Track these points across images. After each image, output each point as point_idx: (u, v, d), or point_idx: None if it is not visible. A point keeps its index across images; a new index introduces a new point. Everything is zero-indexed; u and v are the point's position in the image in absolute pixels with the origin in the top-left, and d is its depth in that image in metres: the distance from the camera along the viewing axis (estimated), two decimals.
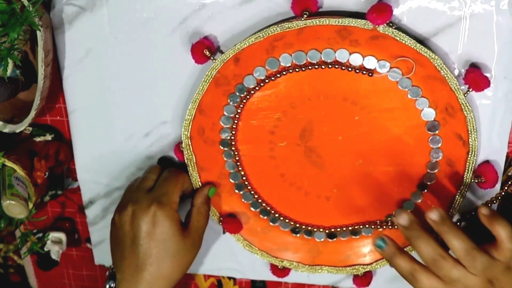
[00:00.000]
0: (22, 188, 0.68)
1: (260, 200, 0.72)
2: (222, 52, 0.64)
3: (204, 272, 0.81)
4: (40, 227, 0.80)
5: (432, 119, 0.64)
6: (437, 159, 0.66)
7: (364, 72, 0.62)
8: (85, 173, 0.76)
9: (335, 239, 0.72)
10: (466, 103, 0.61)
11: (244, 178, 0.71)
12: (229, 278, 0.83)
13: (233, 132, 0.68)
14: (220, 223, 0.72)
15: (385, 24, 0.58)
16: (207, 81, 0.63)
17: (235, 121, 0.67)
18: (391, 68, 0.62)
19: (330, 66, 0.62)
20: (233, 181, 0.71)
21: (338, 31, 0.60)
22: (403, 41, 0.58)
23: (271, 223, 0.73)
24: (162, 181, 0.67)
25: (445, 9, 0.59)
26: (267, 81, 0.64)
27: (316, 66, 0.62)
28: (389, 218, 0.70)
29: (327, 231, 0.72)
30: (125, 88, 0.69)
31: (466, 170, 0.65)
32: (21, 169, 0.68)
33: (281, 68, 0.63)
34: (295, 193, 0.71)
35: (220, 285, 0.84)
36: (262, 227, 0.73)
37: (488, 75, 0.61)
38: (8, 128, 0.68)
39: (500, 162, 0.66)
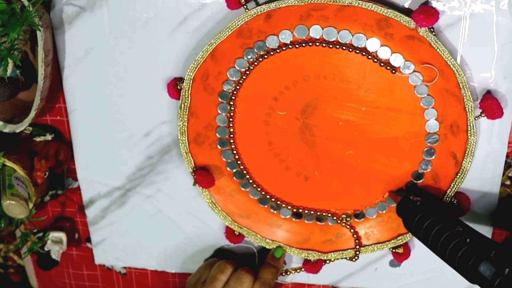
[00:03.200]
0: (22, 188, 0.68)
1: (239, 162, 0.71)
2: (257, 4, 0.62)
3: None
4: (40, 227, 0.80)
5: (434, 132, 0.64)
6: (425, 171, 0.67)
7: (388, 67, 0.62)
8: (85, 173, 0.76)
9: (299, 220, 0.72)
10: (474, 126, 0.61)
11: (231, 136, 0.69)
12: None
13: (237, 87, 0.66)
14: (193, 174, 0.70)
15: (427, 28, 0.58)
16: (231, 28, 0.61)
17: (243, 77, 0.66)
18: (414, 71, 0.62)
19: (357, 51, 0.62)
20: (218, 136, 0.70)
21: (377, 20, 0.59)
22: (438, 49, 0.58)
23: (242, 188, 0.72)
24: None
25: (445, 9, 0.59)
26: (290, 46, 0.63)
27: (344, 48, 0.62)
28: (348, 218, 0.71)
29: (294, 210, 0.72)
30: (125, 88, 0.69)
31: (450, 189, 0.66)
32: (21, 169, 0.68)
33: (308, 38, 0.62)
34: (276, 164, 0.70)
35: None
36: (232, 189, 0.72)
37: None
38: (8, 128, 0.68)
39: (500, 162, 0.66)
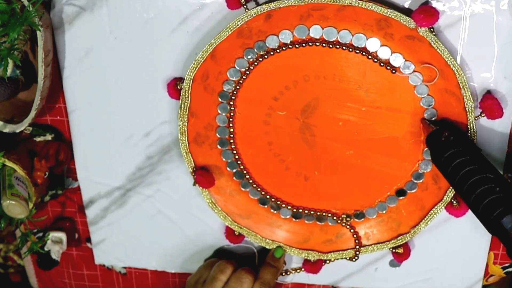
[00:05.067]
0: (22, 188, 0.68)
1: (239, 162, 0.71)
2: (257, 4, 0.62)
3: None
4: (40, 227, 0.80)
5: None
6: (425, 171, 0.67)
7: (388, 67, 0.62)
8: (85, 173, 0.76)
9: (299, 220, 0.72)
10: (474, 126, 0.61)
11: (231, 136, 0.69)
12: None
13: (237, 87, 0.66)
14: (193, 174, 0.70)
15: (427, 28, 0.58)
16: (231, 28, 0.61)
17: (243, 77, 0.66)
18: (414, 71, 0.62)
19: (357, 51, 0.62)
20: (218, 136, 0.69)
21: (377, 20, 0.59)
22: (438, 49, 0.58)
23: (242, 188, 0.72)
24: None
25: (445, 9, 0.59)
26: (290, 46, 0.63)
27: (344, 48, 0.62)
28: (348, 218, 0.71)
29: (294, 210, 0.72)
30: (125, 88, 0.69)
31: (450, 189, 0.66)
32: (21, 169, 0.68)
33: (308, 38, 0.62)
34: (276, 165, 0.70)
35: None
36: (232, 189, 0.72)
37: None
38: (8, 128, 0.68)
39: (500, 162, 0.66)
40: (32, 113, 0.66)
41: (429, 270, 0.74)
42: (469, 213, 0.68)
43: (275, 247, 0.73)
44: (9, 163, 0.68)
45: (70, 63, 0.69)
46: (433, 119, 0.63)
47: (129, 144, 0.72)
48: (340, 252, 0.72)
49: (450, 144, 0.59)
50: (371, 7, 0.58)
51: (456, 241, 0.72)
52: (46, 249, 0.79)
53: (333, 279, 0.77)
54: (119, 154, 0.73)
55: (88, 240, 0.83)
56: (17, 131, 0.68)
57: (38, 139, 0.73)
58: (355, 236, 0.71)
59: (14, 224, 0.70)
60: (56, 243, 0.80)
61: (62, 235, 0.80)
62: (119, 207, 0.77)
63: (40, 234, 0.80)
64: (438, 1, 0.59)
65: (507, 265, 0.74)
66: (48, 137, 0.74)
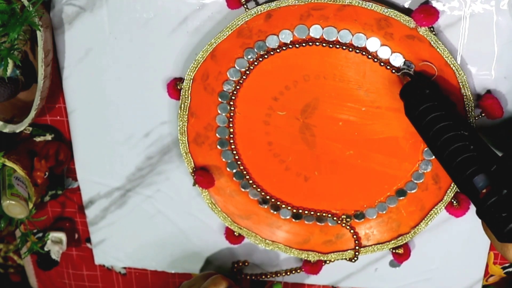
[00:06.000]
0: (22, 188, 0.68)
1: (239, 162, 0.71)
2: (257, 4, 0.62)
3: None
4: (40, 227, 0.80)
5: None
6: (425, 171, 0.67)
7: (388, 67, 0.62)
8: (85, 173, 0.76)
9: (299, 221, 0.72)
10: (473, 126, 0.61)
11: (231, 136, 0.69)
12: None
13: (237, 87, 0.66)
14: (193, 174, 0.70)
15: (427, 28, 0.58)
16: (231, 28, 0.61)
17: (243, 77, 0.65)
18: (414, 70, 0.61)
19: (357, 51, 0.62)
20: (218, 136, 0.69)
21: (377, 20, 0.59)
22: (438, 49, 0.58)
23: (241, 188, 0.72)
24: None
25: (445, 9, 0.59)
26: (290, 46, 0.63)
27: (344, 47, 0.62)
28: (347, 218, 0.71)
29: (294, 211, 0.72)
30: (125, 88, 0.69)
31: (450, 189, 0.66)
32: (21, 169, 0.68)
33: (308, 38, 0.62)
34: (276, 165, 0.70)
35: None
36: (231, 190, 0.72)
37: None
38: (8, 128, 0.68)
39: None
40: (32, 113, 0.66)
41: (429, 270, 0.74)
42: (469, 213, 0.68)
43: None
44: (9, 163, 0.68)
45: (70, 63, 0.69)
46: (411, 70, 0.61)
47: (129, 144, 0.72)
48: (340, 252, 0.72)
49: (425, 98, 0.57)
50: (371, 6, 0.58)
51: (456, 241, 0.72)
52: (46, 249, 0.79)
53: (333, 279, 0.77)
54: (119, 154, 0.73)
55: (88, 240, 0.83)
56: (17, 131, 0.68)
57: (38, 139, 0.73)
58: (355, 236, 0.71)
59: (14, 224, 0.70)
60: (56, 243, 0.80)
61: (62, 235, 0.80)
62: (119, 208, 0.77)
63: (40, 234, 0.80)
64: (438, 1, 0.59)
65: (507, 265, 0.74)
66: (48, 137, 0.74)
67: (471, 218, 0.69)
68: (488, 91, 0.62)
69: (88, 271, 0.87)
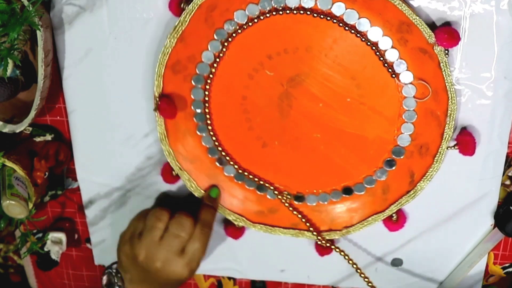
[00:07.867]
0: (22, 188, 0.68)
1: (206, 104, 0.67)
2: None
3: (204, 272, 0.81)
4: (40, 227, 0.80)
5: (403, 146, 0.65)
6: (378, 179, 0.68)
7: (390, 70, 0.62)
8: (85, 173, 0.76)
9: (240, 182, 0.71)
10: (443, 154, 0.63)
11: (210, 76, 0.66)
12: (229, 278, 0.83)
13: (238, 31, 0.63)
14: (158, 100, 0.66)
15: (443, 48, 0.58)
16: (190, 12, 0.60)
17: (249, 23, 0.63)
18: (411, 83, 0.62)
19: (368, 43, 0.61)
20: (198, 72, 0.66)
21: (401, 22, 0.59)
22: (444, 72, 0.59)
23: (197, 131, 0.69)
24: (197, 244, 0.67)
25: (445, 9, 0.59)
26: (301, 12, 0.61)
27: (357, 35, 0.61)
28: (288, 196, 0.70)
29: (239, 171, 0.71)
30: (125, 88, 0.69)
31: (395, 204, 0.67)
32: (21, 169, 0.68)
33: (327, 12, 0.61)
34: (242, 121, 0.68)
35: (220, 285, 0.84)
36: (187, 128, 0.69)
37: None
38: (8, 128, 0.68)
39: (500, 162, 0.66)
40: (32, 113, 0.66)
41: (429, 271, 0.74)
42: (470, 213, 0.68)
43: (210, 187, 0.71)
44: (9, 163, 0.68)
45: (69, 63, 0.69)
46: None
47: (129, 144, 0.72)
48: (268, 226, 0.71)
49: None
50: (402, 7, 0.57)
51: (456, 241, 0.72)
52: (45, 249, 0.79)
53: (333, 279, 0.77)
54: (119, 154, 0.73)
55: (88, 240, 0.83)
56: (17, 131, 0.68)
57: (38, 139, 0.73)
58: (291, 214, 0.70)
59: (14, 224, 0.70)
60: (55, 244, 0.80)
61: (61, 236, 0.80)
62: (119, 208, 0.77)
63: (40, 235, 0.80)
64: (438, 1, 0.59)
65: (507, 265, 0.74)
66: (48, 137, 0.74)
67: (471, 218, 0.69)
68: (464, 128, 0.63)
69: (88, 271, 0.87)
